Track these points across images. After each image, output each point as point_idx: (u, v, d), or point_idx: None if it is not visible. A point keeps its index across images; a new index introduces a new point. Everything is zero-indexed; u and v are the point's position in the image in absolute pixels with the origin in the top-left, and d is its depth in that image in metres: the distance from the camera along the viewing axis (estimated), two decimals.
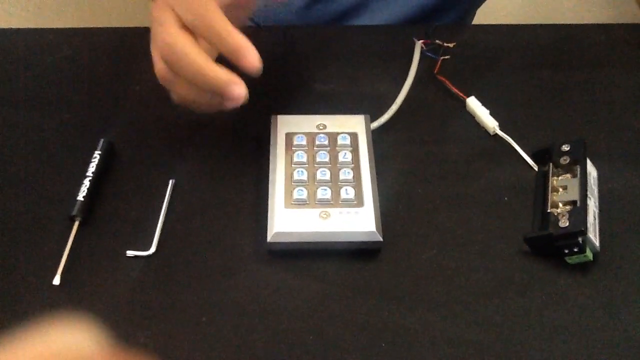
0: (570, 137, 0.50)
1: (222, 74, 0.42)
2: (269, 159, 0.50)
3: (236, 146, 0.54)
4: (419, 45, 0.60)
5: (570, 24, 0.66)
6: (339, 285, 0.45)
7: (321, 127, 0.52)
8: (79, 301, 0.43)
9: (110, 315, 0.43)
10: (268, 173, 0.49)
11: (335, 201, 0.46)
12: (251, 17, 0.75)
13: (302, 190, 0.47)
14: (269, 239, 0.45)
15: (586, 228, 0.43)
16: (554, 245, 0.44)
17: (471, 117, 0.56)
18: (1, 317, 0.42)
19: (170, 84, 0.46)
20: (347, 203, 0.46)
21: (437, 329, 0.42)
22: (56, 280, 0.44)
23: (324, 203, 0.46)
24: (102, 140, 0.52)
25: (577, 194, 0.46)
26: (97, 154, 0.50)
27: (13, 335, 0.23)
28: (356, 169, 0.49)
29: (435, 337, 0.42)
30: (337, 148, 0.50)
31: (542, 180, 0.50)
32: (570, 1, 1.45)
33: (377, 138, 0.52)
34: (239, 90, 0.42)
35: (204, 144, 0.53)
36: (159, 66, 0.45)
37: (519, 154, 0.53)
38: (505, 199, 0.50)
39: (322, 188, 0.47)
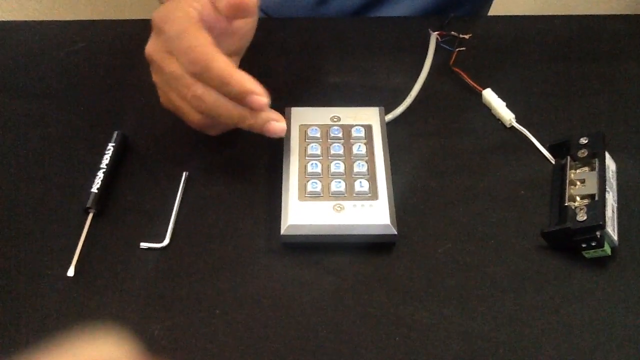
0: (587, 130, 0.50)
1: (244, 77, 0.43)
2: (282, 152, 0.49)
3: (250, 139, 0.53)
4: (434, 37, 0.59)
5: (587, 15, 0.65)
6: (352, 279, 0.44)
7: (335, 119, 0.51)
8: (93, 293, 0.43)
9: (124, 307, 0.43)
10: (282, 165, 0.48)
11: (350, 194, 0.46)
12: (262, 9, 0.75)
13: (316, 182, 0.46)
14: (282, 231, 0.45)
15: (604, 222, 0.42)
16: (571, 240, 0.44)
17: (487, 110, 0.56)
18: (16, 308, 0.43)
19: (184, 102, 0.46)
20: (362, 196, 0.46)
21: (451, 323, 0.42)
22: (70, 272, 0.44)
23: (338, 196, 0.46)
24: (116, 133, 0.52)
25: (596, 187, 0.45)
26: (111, 147, 0.50)
27: (44, 349, 0.23)
28: (370, 161, 0.48)
29: (449, 332, 0.41)
30: (351, 140, 0.50)
31: (560, 173, 0.49)
32: None
33: (391, 130, 0.52)
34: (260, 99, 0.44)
35: (218, 137, 0.53)
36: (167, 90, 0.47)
37: (535, 146, 0.52)
38: (522, 192, 0.49)
39: (336, 181, 0.47)
